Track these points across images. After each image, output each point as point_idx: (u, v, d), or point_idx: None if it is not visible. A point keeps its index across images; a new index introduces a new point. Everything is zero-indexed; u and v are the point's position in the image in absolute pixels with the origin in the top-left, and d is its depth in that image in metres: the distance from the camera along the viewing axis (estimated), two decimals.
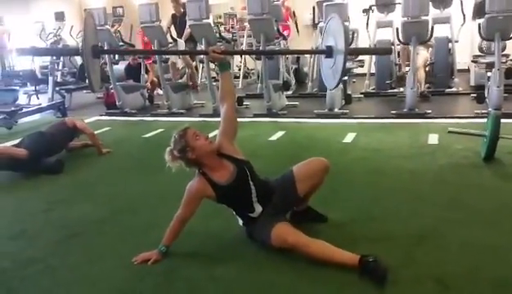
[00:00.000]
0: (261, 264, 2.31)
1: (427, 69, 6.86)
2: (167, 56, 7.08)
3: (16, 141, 4.33)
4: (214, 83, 6.21)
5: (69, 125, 4.53)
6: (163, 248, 2.41)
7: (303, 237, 2.27)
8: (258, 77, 7.82)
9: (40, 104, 7.46)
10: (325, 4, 6.04)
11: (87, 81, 7.30)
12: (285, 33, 7.37)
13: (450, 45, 7.17)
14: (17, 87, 9.20)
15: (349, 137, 4.71)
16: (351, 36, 6.16)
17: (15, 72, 11.04)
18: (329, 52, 2.68)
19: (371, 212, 2.85)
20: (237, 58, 9.10)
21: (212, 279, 2.20)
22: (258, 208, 2.46)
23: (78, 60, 10.18)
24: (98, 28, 6.32)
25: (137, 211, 3.12)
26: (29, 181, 3.91)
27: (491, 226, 2.57)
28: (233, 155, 2.46)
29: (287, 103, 6.71)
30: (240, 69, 9.22)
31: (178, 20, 7.50)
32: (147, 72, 7.91)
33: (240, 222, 2.55)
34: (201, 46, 6.18)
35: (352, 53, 5.52)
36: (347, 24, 5.93)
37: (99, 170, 4.20)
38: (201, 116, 6.32)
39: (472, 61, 6.98)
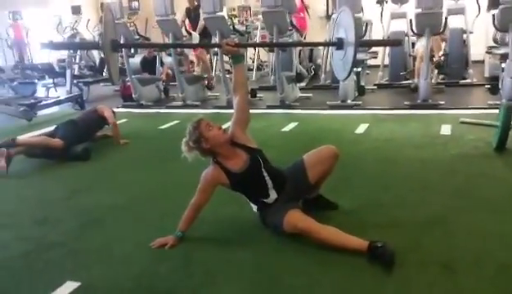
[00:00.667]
0: (274, 248, 2.40)
1: (441, 59, 6.84)
2: (181, 49, 7.17)
3: (49, 129, 4.56)
4: (228, 76, 6.29)
5: (99, 113, 4.70)
6: (179, 234, 2.51)
7: (314, 223, 2.35)
8: (272, 69, 7.88)
9: (58, 97, 7.63)
10: None
11: (105, 74, 7.50)
12: (300, 25, 7.40)
13: (464, 36, 7.14)
14: (35, 80, 9.45)
15: (362, 128, 4.76)
16: (364, 27, 6.18)
17: (33, 65, 11.25)
18: (339, 44, 2.75)
19: (381, 200, 2.92)
20: (250, 50, 9.16)
21: (227, 262, 2.30)
22: (273, 195, 2.54)
23: (95, 53, 10.41)
24: (116, 21, 6.49)
25: (154, 199, 3.24)
26: (52, 170, 4.07)
27: (499, 214, 2.62)
28: (246, 144, 2.55)
29: (300, 94, 6.76)
30: (253, 61, 9.28)
31: (192, 14, 7.58)
32: (162, 65, 8.02)
33: (255, 208, 2.63)
34: (215, 39, 6.26)
35: (363, 45, 5.54)
36: (360, 15, 5.95)
37: (117, 160, 4.33)
38: (215, 108, 6.42)
39: (486, 52, 6.95)
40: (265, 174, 2.53)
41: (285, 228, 2.41)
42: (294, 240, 2.39)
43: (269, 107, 6.18)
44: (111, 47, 2.65)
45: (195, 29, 7.44)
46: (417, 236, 2.41)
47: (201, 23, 6.93)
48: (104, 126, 4.82)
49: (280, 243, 2.42)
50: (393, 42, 2.95)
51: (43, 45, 2.50)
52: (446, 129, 4.50)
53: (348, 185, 3.18)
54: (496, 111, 3.98)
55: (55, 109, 6.92)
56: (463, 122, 4.16)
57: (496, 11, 5.67)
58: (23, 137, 4.35)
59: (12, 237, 2.74)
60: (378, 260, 2.16)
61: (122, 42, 6.79)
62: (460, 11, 7.07)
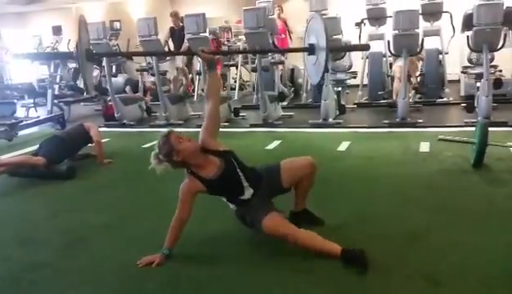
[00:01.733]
0: (262, 262, 2.44)
1: (418, 79, 7.05)
2: (164, 69, 7.21)
3: (33, 148, 4.52)
4: None
5: (86, 128, 4.65)
6: (166, 251, 2.52)
7: (292, 228, 2.45)
8: (254, 88, 7.99)
9: (39, 117, 7.56)
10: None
11: (85, 94, 7.40)
12: (281, 46, 7.57)
13: (440, 56, 7.38)
14: (15, 100, 9.33)
15: (343, 146, 4.86)
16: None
17: (13, 85, 11.13)
18: (311, 50, 2.87)
19: (365, 215, 2.98)
20: (233, 70, 9.27)
21: (215, 278, 2.31)
22: (249, 191, 2.61)
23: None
24: (97, 41, 6.53)
25: (139, 217, 3.23)
26: (35, 188, 4.01)
27: (479, 228, 2.70)
28: (217, 149, 2.60)
29: (282, 113, 6.86)
30: (235, 81, 9.37)
31: (176, 33, 7.66)
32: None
33: (232, 206, 2.68)
34: (199, 59, 6.34)
35: (333, 50, 5.63)
36: (340, 36, 6.12)
37: (102, 179, 4.30)
38: (198, 126, 6.34)
39: (462, 72, 7.19)
40: (240, 174, 2.59)
41: (264, 230, 2.46)
42: (281, 253, 2.44)
43: (252, 125, 6.25)
44: (86, 57, 2.66)
45: (178, 49, 7.51)
46: (401, 250, 2.48)
47: (185, 45, 7.01)
48: (88, 143, 4.75)
49: (268, 257, 2.46)
50: (362, 46, 3.14)
51: (16, 56, 2.47)
52: (425, 146, 4.62)
53: (332, 202, 3.24)
54: (473, 129, 4.12)
55: (35, 128, 6.84)
56: (441, 140, 4.29)
57: (470, 33, 5.90)
58: (4, 157, 4.28)
59: None
60: (351, 263, 2.27)
61: (104, 62, 6.83)
62: (435, 33, 7.32)
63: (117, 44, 7.94)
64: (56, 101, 8.04)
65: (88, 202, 3.67)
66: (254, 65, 6.74)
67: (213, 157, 2.57)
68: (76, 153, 4.61)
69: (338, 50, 6.38)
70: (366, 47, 3.03)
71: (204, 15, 6.15)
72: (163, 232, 2.57)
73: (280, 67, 7.89)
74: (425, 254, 2.42)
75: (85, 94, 9.04)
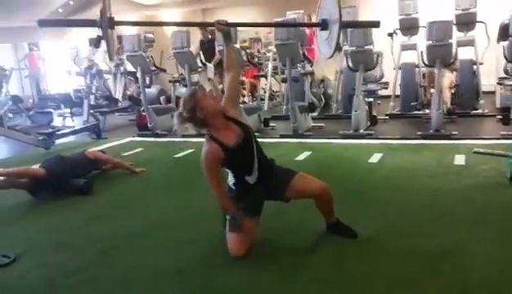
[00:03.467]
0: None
1: (452, 90, 6.92)
2: (196, 80, 7.34)
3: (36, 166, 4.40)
4: (241, 105, 6.40)
5: (89, 157, 4.60)
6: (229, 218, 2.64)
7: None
8: (284, 99, 8.01)
9: (75, 126, 7.81)
10: (349, 29, 6.21)
11: (120, 104, 7.60)
12: (311, 56, 7.57)
13: (474, 67, 7.22)
14: (51, 110, 9.69)
15: (375, 157, 4.80)
16: (375, 59, 6.30)
17: (51, 95, 11.56)
18: (324, 24, 2.88)
19: (398, 228, 2.94)
20: (263, 81, 9.34)
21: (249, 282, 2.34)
22: (255, 174, 2.63)
23: (111, 85, 10.74)
24: (132, 53, 6.72)
25: (171, 226, 3.27)
26: (66, 202, 4.00)
27: None
28: (238, 119, 2.64)
29: (313, 124, 6.85)
30: (265, 92, 9.43)
31: (207, 45, 7.80)
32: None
33: (231, 183, 2.70)
34: None
35: (345, 26, 5.49)
36: (371, 47, 6.08)
37: (133, 188, 4.39)
38: None
39: (497, 83, 7.01)
40: (255, 150, 2.63)
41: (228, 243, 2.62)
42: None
43: (282, 136, 6.26)
44: (108, 24, 2.74)
45: (208, 60, 7.64)
46: (435, 264, 2.42)
47: (217, 56, 7.12)
48: (93, 171, 4.65)
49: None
50: (373, 23, 3.13)
51: (41, 22, 2.54)
52: (459, 159, 4.51)
53: (364, 214, 3.19)
54: (509, 141, 4.01)
55: (72, 137, 7.06)
56: (477, 153, 4.18)
57: (506, 43, 5.77)
58: (3, 169, 4.33)
59: (34, 263, 2.79)
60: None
61: (138, 73, 7.01)
62: (469, 43, 7.17)
63: (151, 56, 8.12)
64: (91, 111, 8.31)
65: (120, 211, 3.74)
66: (284, 76, 6.75)
67: (234, 124, 2.61)
68: (80, 176, 4.35)
69: (349, 26, 6.24)
70: (376, 24, 3.03)
71: (235, 30, 6.23)
72: (195, 240, 2.63)
73: (310, 78, 7.89)
74: (460, 269, 2.36)
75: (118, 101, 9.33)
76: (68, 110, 9.25)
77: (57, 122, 8.96)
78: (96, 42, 2.75)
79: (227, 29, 2.79)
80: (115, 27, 2.75)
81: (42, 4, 11.34)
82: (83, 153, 4.69)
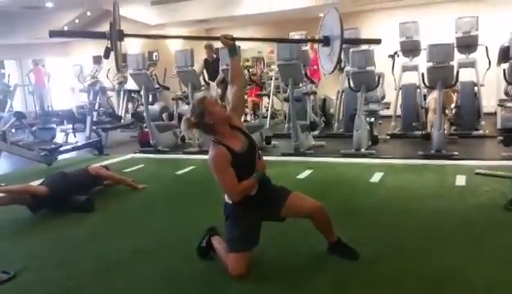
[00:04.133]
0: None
1: (453, 111, 6.96)
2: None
3: (38, 182, 4.46)
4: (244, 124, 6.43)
5: (91, 173, 4.62)
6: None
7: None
8: (285, 117, 8.05)
9: (77, 142, 7.85)
10: (351, 50, 6.29)
11: (123, 121, 7.64)
12: (315, 77, 7.65)
13: (476, 89, 7.28)
14: (54, 126, 9.74)
15: (376, 177, 4.80)
16: (377, 79, 6.36)
17: (54, 111, 11.63)
18: (326, 41, 2.94)
19: (400, 250, 2.93)
20: (265, 99, 9.41)
21: None
22: (256, 185, 2.64)
23: (115, 101, 10.83)
24: (136, 71, 6.80)
25: (172, 243, 3.27)
26: (67, 218, 3.99)
27: None
28: (242, 128, 2.70)
29: (314, 143, 6.87)
30: (267, 110, 9.49)
31: (211, 65, 7.88)
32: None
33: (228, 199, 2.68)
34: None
35: (347, 42, 5.53)
36: (372, 68, 6.14)
37: (135, 205, 4.39)
38: None
39: (498, 105, 7.06)
40: (256, 160, 2.66)
41: (228, 264, 2.62)
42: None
43: (284, 154, 6.27)
44: (118, 36, 2.80)
45: (212, 79, 7.70)
46: (438, 286, 2.42)
47: (220, 75, 7.18)
48: (100, 183, 4.72)
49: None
50: (375, 40, 3.22)
51: (52, 33, 2.60)
52: (461, 180, 4.52)
53: (364, 234, 3.19)
54: (511, 163, 4.02)
55: (74, 153, 7.09)
56: (478, 174, 4.19)
57: (506, 65, 5.83)
58: (4, 186, 4.35)
59: (34, 280, 2.78)
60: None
61: (142, 92, 7.07)
62: (471, 65, 7.24)
63: (155, 74, 8.21)
64: (94, 127, 8.35)
65: (121, 228, 3.74)
66: (287, 95, 6.81)
67: (239, 133, 2.67)
68: (84, 192, 4.38)
69: (351, 42, 6.32)
70: (378, 41, 3.11)
71: (239, 47, 6.29)
72: (196, 259, 2.61)
73: (312, 97, 7.95)
74: (463, 292, 2.36)
75: (122, 118, 9.39)
76: (70, 126, 9.29)
77: (60, 138, 9.00)
78: (105, 54, 2.80)
79: (233, 43, 2.87)
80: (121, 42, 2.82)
81: (46, 22, 11.51)
82: (86, 169, 4.70)
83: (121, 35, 2.75)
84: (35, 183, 4.56)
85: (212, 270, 2.75)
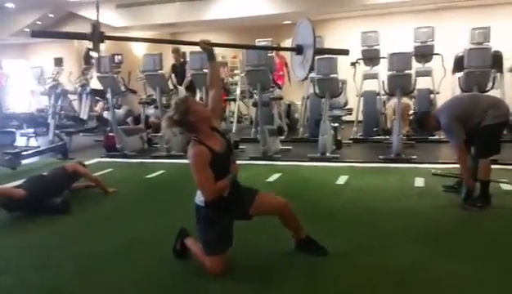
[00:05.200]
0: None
1: (410, 117, 7.32)
2: (169, 102, 7.44)
3: (19, 182, 4.47)
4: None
5: (68, 170, 4.63)
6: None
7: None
8: (251, 122, 8.21)
9: (39, 146, 7.68)
10: (317, 58, 6.52)
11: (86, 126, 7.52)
12: (280, 82, 7.85)
13: (432, 96, 7.69)
14: (14, 129, 9.47)
15: (342, 179, 5.03)
16: (340, 85, 6.62)
17: (13, 114, 11.27)
18: (299, 49, 3.15)
19: (365, 247, 3.12)
20: (232, 104, 9.54)
21: None
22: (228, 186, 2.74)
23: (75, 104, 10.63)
24: (104, 75, 6.76)
25: (148, 245, 3.33)
26: (43, 220, 3.99)
27: (473, 259, 2.88)
28: (220, 130, 2.82)
29: (281, 147, 7.06)
30: (233, 114, 9.61)
31: (179, 69, 7.94)
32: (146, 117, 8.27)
33: (200, 201, 2.76)
34: (201, 93, 6.60)
35: (318, 52, 5.79)
36: (336, 75, 6.40)
37: (108, 208, 4.41)
38: None
39: None
40: (231, 160, 2.78)
41: (207, 265, 2.71)
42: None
43: (252, 158, 6.42)
44: (99, 38, 2.86)
45: (180, 83, 7.76)
46: (402, 278, 2.64)
47: (187, 79, 7.26)
48: (75, 181, 4.75)
49: None
50: (343, 51, 3.44)
51: (35, 33, 2.57)
52: (419, 181, 4.81)
53: (332, 232, 3.37)
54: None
55: (37, 158, 6.95)
56: (435, 174, 4.49)
57: (460, 74, 6.22)
58: None
59: (13, 282, 2.78)
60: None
61: (108, 95, 7.03)
62: (427, 73, 7.65)
63: (122, 78, 8.16)
64: (57, 131, 8.19)
65: (96, 230, 3.77)
66: (254, 100, 6.97)
67: (217, 134, 2.76)
68: (61, 192, 4.46)
69: (322, 52, 6.55)
70: (346, 52, 3.34)
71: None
72: (172, 259, 2.78)
73: (279, 102, 8.15)
74: (424, 282, 2.58)
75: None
76: (31, 130, 9.06)
77: (20, 142, 8.76)
78: (85, 55, 2.88)
79: (211, 49, 2.97)
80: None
81: (6, 23, 11.19)
82: (63, 167, 4.71)
83: (102, 37, 2.81)
84: (9, 185, 4.54)
85: (189, 270, 2.84)
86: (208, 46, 2.95)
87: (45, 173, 4.62)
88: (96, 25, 2.76)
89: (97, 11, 2.91)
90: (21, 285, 2.75)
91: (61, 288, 2.71)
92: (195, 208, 2.82)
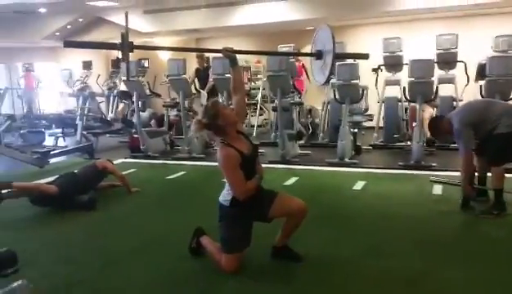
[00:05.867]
0: None
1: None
2: (191, 105, 7.62)
3: (47, 180, 4.75)
4: None
5: (98, 167, 4.88)
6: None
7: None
8: (272, 126, 8.30)
9: (67, 146, 7.97)
10: (337, 63, 6.57)
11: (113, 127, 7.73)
12: (300, 87, 7.93)
13: (454, 103, 7.62)
14: (43, 130, 9.83)
15: (359, 185, 5.08)
16: (361, 92, 6.65)
17: (43, 115, 11.68)
18: (319, 55, 3.23)
19: (377, 252, 3.19)
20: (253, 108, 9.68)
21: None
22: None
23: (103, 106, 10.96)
24: (130, 79, 6.98)
25: (167, 243, 3.48)
26: (69, 216, 4.22)
27: (484, 267, 2.90)
28: (245, 134, 2.90)
29: (300, 151, 7.13)
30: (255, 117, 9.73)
31: (202, 74, 8.11)
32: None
33: (225, 198, 2.84)
34: (223, 97, 6.74)
35: (338, 57, 5.86)
36: (357, 81, 6.44)
37: (128, 207, 4.58)
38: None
39: None
40: (257, 162, 2.87)
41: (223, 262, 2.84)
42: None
43: (270, 162, 6.50)
44: (129, 48, 3.01)
45: (203, 87, 7.93)
46: (411, 284, 2.69)
47: (210, 83, 7.42)
48: (102, 179, 4.98)
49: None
50: (363, 55, 3.51)
51: (67, 43, 2.71)
52: (437, 189, 4.80)
53: (346, 236, 3.46)
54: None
55: (65, 157, 7.21)
56: (433, 181, 4.52)
57: (483, 82, 6.17)
58: (19, 182, 4.53)
59: (38, 274, 2.94)
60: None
61: (134, 98, 7.26)
62: (450, 81, 7.59)
63: (147, 82, 8.40)
64: (84, 132, 8.47)
65: (118, 228, 3.94)
66: (274, 105, 7.06)
67: (243, 138, 2.85)
68: (90, 189, 4.72)
69: (342, 57, 6.59)
70: (365, 56, 3.40)
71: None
72: (187, 257, 2.96)
73: (298, 107, 8.21)
74: (431, 290, 2.62)
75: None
76: (59, 130, 9.39)
77: (49, 141, 9.09)
78: (116, 64, 3.03)
79: (234, 55, 3.06)
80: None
81: (38, 27, 11.61)
82: (94, 164, 4.96)
83: (131, 47, 2.96)
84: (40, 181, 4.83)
85: (205, 267, 2.96)
86: (230, 53, 3.04)
87: (76, 171, 4.86)
88: (125, 35, 2.89)
89: (126, 21, 3.03)
90: (45, 277, 2.90)
91: (83, 281, 2.86)
92: (218, 207, 2.91)
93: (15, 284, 1.58)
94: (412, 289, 2.62)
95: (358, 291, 2.62)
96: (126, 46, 2.89)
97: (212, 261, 2.96)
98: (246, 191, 2.76)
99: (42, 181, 4.81)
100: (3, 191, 4.13)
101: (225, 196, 2.87)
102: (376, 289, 2.62)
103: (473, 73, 7.27)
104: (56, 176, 4.72)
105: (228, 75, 6.56)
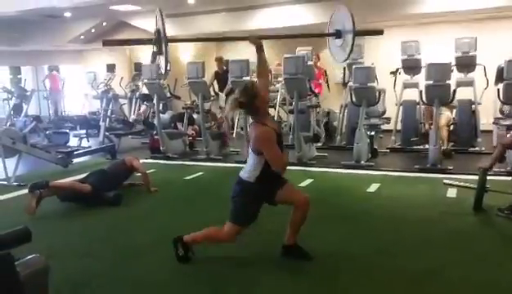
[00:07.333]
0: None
1: (450, 128, 7.24)
2: (209, 107, 7.78)
3: (81, 176, 4.97)
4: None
5: (127, 164, 5.17)
6: None
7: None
8: (290, 128, 8.38)
9: (91, 147, 8.22)
10: (354, 67, 6.64)
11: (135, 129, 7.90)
12: (317, 90, 8.00)
13: (473, 107, 7.57)
14: (67, 130, 10.14)
15: (373, 187, 5.12)
16: (377, 95, 6.68)
17: (68, 116, 12.03)
18: (338, 34, 3.42)
19: (388, 252, 3.26)
20: (271, 111, 9.75)
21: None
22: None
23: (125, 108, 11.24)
24: (151, 81, 7.17)
25: None
26: (90, 212, 4.44)
27: (501, 267, 2.96)
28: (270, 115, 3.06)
29: (316, 154, 7.19)
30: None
31: (221, 77, 8.26)
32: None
33: (253, 177, 2.90)
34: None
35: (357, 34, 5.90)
36: (374, 84, 6.47)
37: (147, 205, 4.74)
38: (236, 162, 6.83)
39: (493, 123, 7.34)
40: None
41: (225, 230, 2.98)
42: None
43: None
44: (165, 42, 3.20)
45: (221, 90, 8.08)
46: (419, 284, 2.75)
47: (229, 86, 7.55)
48: (129, 177, 5.23)
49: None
50: (377, 31, 3.62)
51: (106, 42, 2.92)
52: (452, 192, 4.82)
53: (358, 236, 3.53)
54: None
55: (88, 157, 7.46)
56: (446, 184, 4.54)
57: (501, 86, 6.14)
58: (55, 180, 4.78)
59: (58, 266, 3.07)
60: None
61: (155, 100, 7.45)
62: (469, 84, 7.54)
63: (168, 85, 8.59)
64: (107, 133, 8.72)
65: (136, 225, 4.10)
66: (292, 107, 7.15)
67: (271, 118, 3.01)
68: (120, 185, 5.00)
69: (358, 34, 6.61)
70: (380, 32, 3.51)
71: (247, 61, 6.69)
72: (206, 252, 3.02)
73: (316, 110, 8.27)
74: (437, 289, 2.68)
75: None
76: (83, 131, 9.68)
77: (73, 142, 9.38)
78: (152, 58, 3.25)
79: (260, 42, 3.17)
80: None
81: (63, 31, 11.99)
82: (123, 161, 5.22)
83: (167, 40, 3.17)
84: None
85: (221, 261, 3.10)
86: (256, 40, 3.16)
87: (105, 167, 5.09)
88: (160, 31, 3.09)
89: (161, 16, 3.24)
90: (63, 269, 3.03)
91: (100, 274, 3.01)
92: (237, 183, 2.98)
93: (28, 257, 1.71)
94: (420, 288, 2.68)
95: (362, 289, 2.69)
96: (163, 39, 3.10)
97: (209, 242, 3.16)
98: (285, 164, 2.92)
99: (72, 179, 5.04)
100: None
101: (250, 172, 2.93)
102: (380, 287, 2.69)
103: (493, 76, 7.22)
104: (87, 173, 4.94)
105: (246, 77, 6.70)
